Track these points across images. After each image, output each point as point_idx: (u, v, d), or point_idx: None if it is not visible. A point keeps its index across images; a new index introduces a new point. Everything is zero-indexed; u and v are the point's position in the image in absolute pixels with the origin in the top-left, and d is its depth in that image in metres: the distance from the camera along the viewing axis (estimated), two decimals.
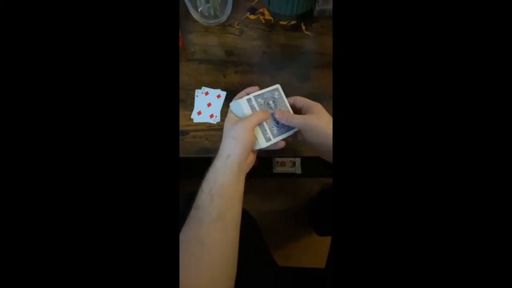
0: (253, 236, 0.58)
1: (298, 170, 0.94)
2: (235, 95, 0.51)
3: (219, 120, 0.50)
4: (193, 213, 0.35)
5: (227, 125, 0.40)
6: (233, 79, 0.53)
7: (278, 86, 0.43)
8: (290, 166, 0.94)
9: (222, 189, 0.35)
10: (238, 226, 0.36)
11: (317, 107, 0.40)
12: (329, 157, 0.39)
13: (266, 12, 0.57)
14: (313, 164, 0.95)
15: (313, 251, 0.94)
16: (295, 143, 0.45)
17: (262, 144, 0.39)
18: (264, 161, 0.95)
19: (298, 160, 0.94)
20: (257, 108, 0.40)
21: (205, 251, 0.33)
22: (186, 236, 0.34)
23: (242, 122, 0.38)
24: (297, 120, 0.39)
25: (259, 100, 0.41)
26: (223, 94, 0.52)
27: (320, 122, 0.37)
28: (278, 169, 0.94)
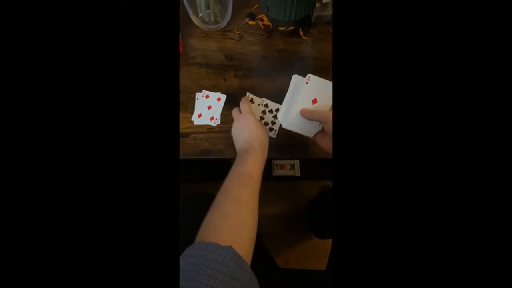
0: None
1: (297, 172, 0.94)
2: (235, 98, 0.52)
3: (219, 123, 0.51)
4: (245, 178, 0.40)
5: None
6: (233, 83, 0.54)
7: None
8: (289, 168, 0.94)
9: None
10: None
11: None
12: None
13: (265, 18, 0.59)
14: (312, 167, 0.96)
15: (313, 254, 0.94)
16: (292, 144, 0.46)
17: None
18: None
19: (297, 163, 0.95)
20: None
21: (249, 213, 0.38)
22: (238, 194, 0.38)
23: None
24: (319, 113, 0.43)
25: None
26: (223, 97, 0.53)
27: None
28: (277, 172, 0.95)
